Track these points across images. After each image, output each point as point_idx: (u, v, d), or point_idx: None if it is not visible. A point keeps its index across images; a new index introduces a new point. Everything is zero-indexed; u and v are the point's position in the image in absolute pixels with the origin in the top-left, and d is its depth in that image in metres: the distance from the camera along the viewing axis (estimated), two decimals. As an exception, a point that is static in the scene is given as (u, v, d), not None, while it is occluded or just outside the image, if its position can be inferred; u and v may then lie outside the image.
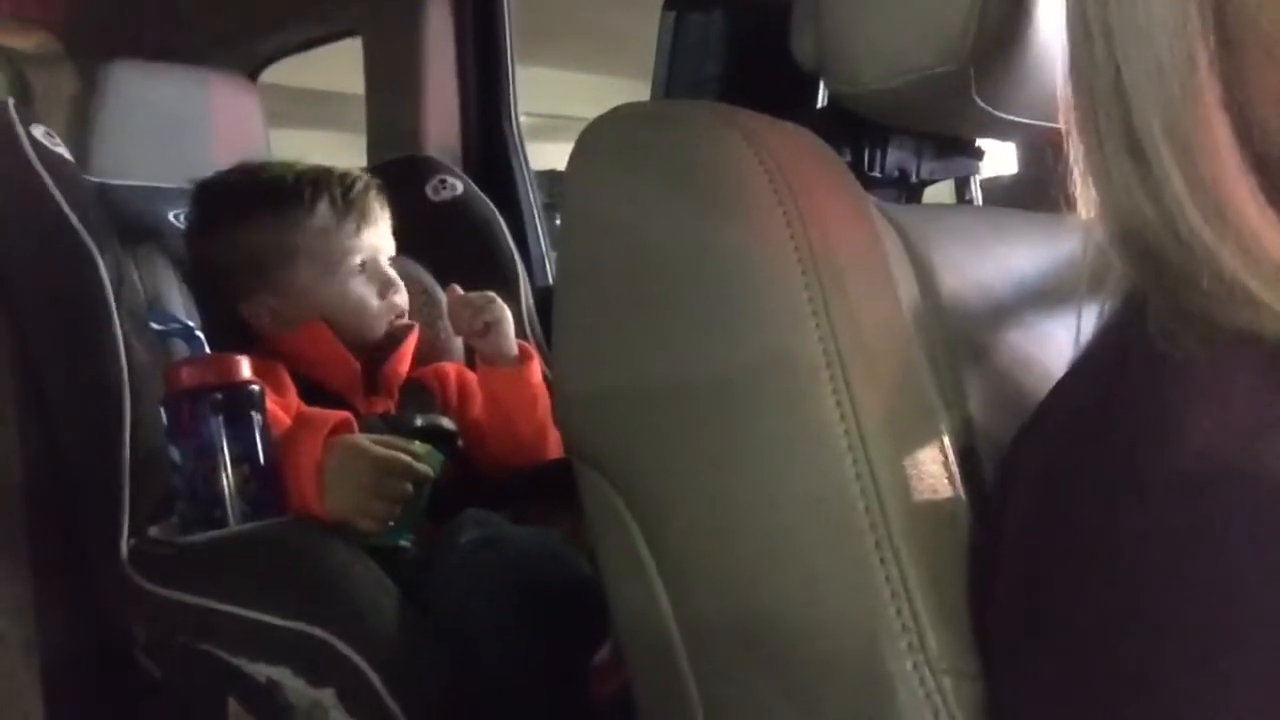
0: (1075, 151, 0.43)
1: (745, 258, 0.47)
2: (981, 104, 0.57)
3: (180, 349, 1.04)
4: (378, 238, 1.14)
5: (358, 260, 1.12)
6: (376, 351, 1.14)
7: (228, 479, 0.90)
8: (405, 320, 1.17)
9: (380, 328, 1.14)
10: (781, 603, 0.46)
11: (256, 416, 0.92)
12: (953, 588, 0.45)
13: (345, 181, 1.14)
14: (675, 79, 0.69)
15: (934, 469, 0.47)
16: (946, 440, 0.49)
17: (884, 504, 0.45)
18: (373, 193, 1.15)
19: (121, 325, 1.02)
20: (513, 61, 1.58)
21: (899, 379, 0.48)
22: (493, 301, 1.13)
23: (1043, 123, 0.59)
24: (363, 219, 1.12)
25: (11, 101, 1.11)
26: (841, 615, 0.45)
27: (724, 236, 0.48)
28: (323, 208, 1.11)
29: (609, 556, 0.56)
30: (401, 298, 1.15)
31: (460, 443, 1.09)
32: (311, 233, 1.11)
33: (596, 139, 0.56)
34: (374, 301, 1.13)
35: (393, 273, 1.15)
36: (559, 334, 0.58)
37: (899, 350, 0.49)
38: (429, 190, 1.38)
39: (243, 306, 1.12)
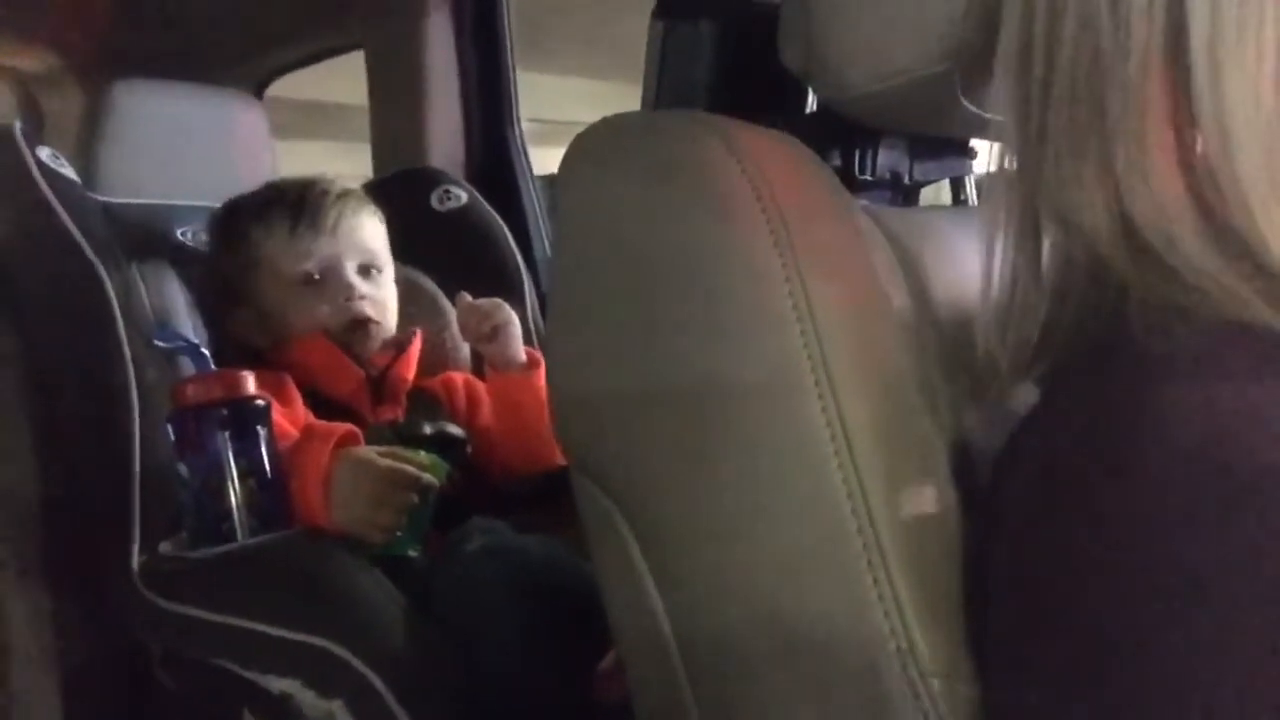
0: (1050, 154, 0.43)
1: (728, 264, 0.48)
2: (968, 105, 0.57)
3: (187, 366, 1.04)
4: (337, 245, 1.13)
5: (312, 266, 1.12)
6: (380, 360, 1.14)
7: (235, 493, 0.91)
8: (373, 320, 1.14)
9: (346, 337, 1.12)
10: (774, 611, 0.46)
11: (262, 431, 0.93)
12: (943, 592, 0.45)
13: (302, 189, 1.14)
14: (665, 88, 0.69)
15: (922, 473, 0.47)
16: (936, 444, 0.49)
17: (871, 509, 0.45)
18: (333, 199, 1.14)
19: (129, 344, 1.03)
20: (514, 70, 1.59)
21: (886, 383, 0.48)
22: (500, 307, 1.13)
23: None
24: (313, 227, 1.12)
25: (18, 125, 1.12)
26: (832, 620, 0.45)
27: (707, 243, 0.48)
28: (274, 217, 1.12)
29: (605, 565, 0.56)
30: (367, 306, 1.13)
31: (469, 450, 1.10)
32: (266, 244, 1.12)
33: (585, 149, 0.56)
34: (324, 308, 1.11)
35: (355, 279, 1.13)
36: (552, 339, 0.58)
37: (886, 354, 0.49)
38: (434, 200, 1.39)
39: (229, 324, 1.15)
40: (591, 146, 0.56)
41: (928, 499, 0.47)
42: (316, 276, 1.12)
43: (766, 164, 0.49)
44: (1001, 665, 0.43)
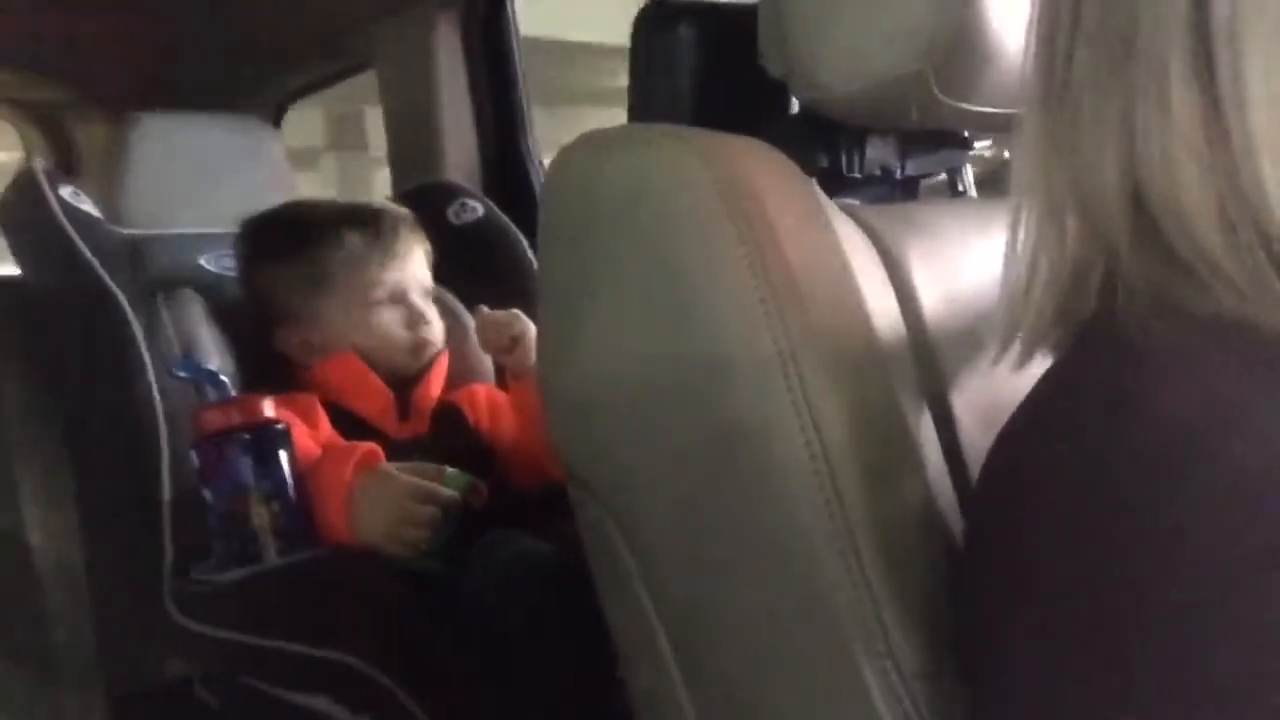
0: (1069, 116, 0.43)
1: (703, 284, 0.48)
2: (944, 99, 0.57)
3: (208, 394, 1.06)
4: (407, 271, 1.17)
5: (383, 293, 1.14)
6: (408, 378, 1.16)
7: (259, 516, 0.93)
8: (435, 345, 1.18)
9: (406, 359, 1.15)
10: (756, 615, 0.47)
11: (284, 453, 0.95)
12: (924, 594, 0.45)
13: (375, 216, 1.17)
14: (649, 99, 0.70)
15: (901, 476, 0.47)
16: (920, 446, 0.49)
17: (849, 516, 0.45)
18: (403, 228, 1.18)
19: (156, 375, 1.05)
20: (525, 82, 1.59)
21: (865, 387, 0.48)
22: (518, 317, 1.15)
23: (1007, 110, 0.59)
24: (388, 253, 1.15)
25: (40, 164, 1.15)
26: (817, 628, 0.45)
27: (683, 262, 0.49)
28: (352, 240, 1.14)
29: (600, 572, 0.57)
30: (430, 331, 1.17)
31: (492, 463, 1.11)
32: (339, 264, 1.14)
33: (565, 165, 0.57)
34: (400, 333, 1.15)
35: (423, 306, 1.17)
36: (542, 352, 0.59)
37: (863, 357, 0.49)
38: (450, 214, 1.40)
39: (277, 336, 1.16)
40: (571, 163, 0.56)
41: (909, 502, 0.47)
42: (387, 301, 1.15)
43: (741, 179, 0.49)
44: (983, 666, 0.43)
